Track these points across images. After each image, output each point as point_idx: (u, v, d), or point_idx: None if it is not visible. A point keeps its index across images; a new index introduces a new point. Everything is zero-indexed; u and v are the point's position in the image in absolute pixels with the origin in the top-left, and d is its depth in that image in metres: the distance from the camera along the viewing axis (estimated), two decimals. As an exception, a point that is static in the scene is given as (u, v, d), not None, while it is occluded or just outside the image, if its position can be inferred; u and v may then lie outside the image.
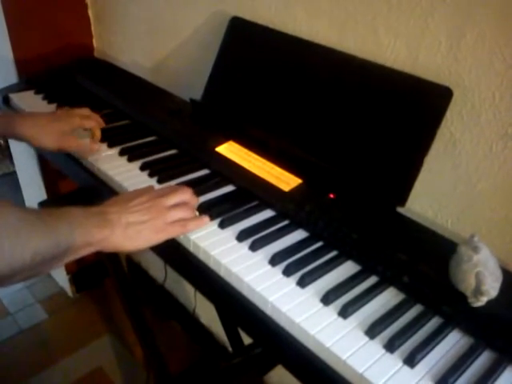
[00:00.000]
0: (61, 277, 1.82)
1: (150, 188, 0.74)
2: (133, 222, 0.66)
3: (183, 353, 1.61)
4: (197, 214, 0.74)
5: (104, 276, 1.83)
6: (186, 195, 0.73)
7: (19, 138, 0.87)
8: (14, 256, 0.52)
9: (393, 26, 0.78)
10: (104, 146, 0.95)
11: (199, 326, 1.65)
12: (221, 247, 0.69)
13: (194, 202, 0.74)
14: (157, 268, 1.72)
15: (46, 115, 0.90)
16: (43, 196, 1.59)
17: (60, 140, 0.86)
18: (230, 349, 1.39)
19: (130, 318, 1.25)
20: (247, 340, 1.27)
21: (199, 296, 1.52)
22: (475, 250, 0.57)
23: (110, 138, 0.97)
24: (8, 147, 1.87)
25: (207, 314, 1.59)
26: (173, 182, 0.82)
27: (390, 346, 0.55)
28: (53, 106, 1.11)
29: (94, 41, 1.52)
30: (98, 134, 0.93)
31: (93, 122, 0.92)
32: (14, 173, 1.83)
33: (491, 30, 0.67)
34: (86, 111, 0.94)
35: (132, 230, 0.66)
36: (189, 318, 1.66)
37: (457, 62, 0.72)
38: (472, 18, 0.68)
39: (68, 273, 1.77)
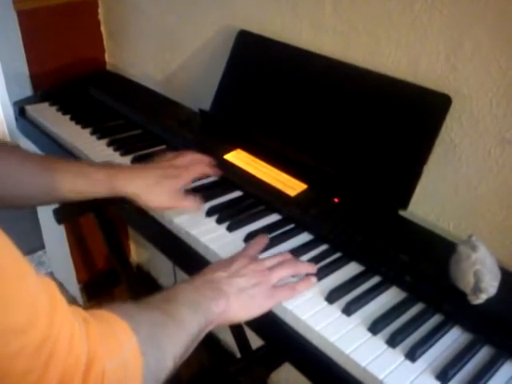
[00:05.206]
0: (72, 286, 1.85)
1: (248, 250, 0.69)
2: (244, 286, 0.62)
3: (192, 360, 1.62)
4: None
5: (115, 284, 1.85)
6: (288, 257, 0.69)
7: (120, 195, 0.75)
8: (160, 369, 0.49)
9: (394, 38, 0.81)
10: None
11: (208, 333, 1.66)
12: (229, 249, 0.72)
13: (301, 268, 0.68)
14: (166, 276, 1.74)
15: (154, 171, 0.77)
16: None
17: (171, 201, 0.76)
18: (238, 355, 1.40)
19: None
20: (255, 345, 1.28)
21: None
22: (473, 248, 0.59)
23: (122, 147, 1.00)
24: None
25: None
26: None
27: (392, 342, 0.58)
28: (67, 117, 1.15)
29: (106, 55, 1.57)
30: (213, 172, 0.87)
31: (201, 168, 0.83)
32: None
33: (487, 40, 0.70)
34: (190, 158, 0.83)
35: (245, 296, 0.61)
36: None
37: (455, 70, 0.74)
38: (468, 28, 0.71)
39: (79, 282, 1.80)
